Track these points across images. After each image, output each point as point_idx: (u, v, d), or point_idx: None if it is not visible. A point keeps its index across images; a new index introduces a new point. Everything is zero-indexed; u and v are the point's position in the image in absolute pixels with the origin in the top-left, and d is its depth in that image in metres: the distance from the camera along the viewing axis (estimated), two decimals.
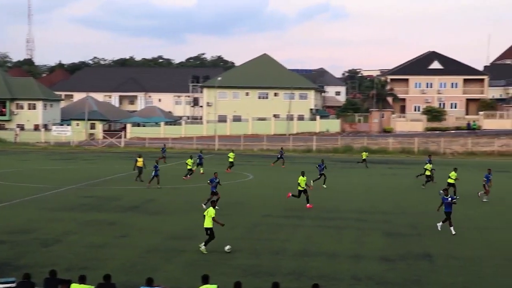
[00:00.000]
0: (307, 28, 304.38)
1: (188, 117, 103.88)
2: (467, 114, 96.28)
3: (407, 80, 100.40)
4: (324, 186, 38.80)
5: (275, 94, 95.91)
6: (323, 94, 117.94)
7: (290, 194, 30.64)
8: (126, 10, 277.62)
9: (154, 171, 37.90)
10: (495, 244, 22.73)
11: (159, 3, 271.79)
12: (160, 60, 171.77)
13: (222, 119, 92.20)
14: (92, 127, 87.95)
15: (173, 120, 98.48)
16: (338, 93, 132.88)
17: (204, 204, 28.75)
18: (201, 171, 45.28)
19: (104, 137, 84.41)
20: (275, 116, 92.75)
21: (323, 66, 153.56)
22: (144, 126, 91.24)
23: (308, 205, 30.22)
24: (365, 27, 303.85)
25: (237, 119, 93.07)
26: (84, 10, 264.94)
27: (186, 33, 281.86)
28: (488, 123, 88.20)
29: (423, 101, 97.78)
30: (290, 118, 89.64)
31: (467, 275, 18.51)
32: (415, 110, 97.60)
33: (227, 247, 20.96)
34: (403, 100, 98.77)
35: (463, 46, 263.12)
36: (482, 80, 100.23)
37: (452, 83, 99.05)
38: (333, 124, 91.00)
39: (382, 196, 35.98)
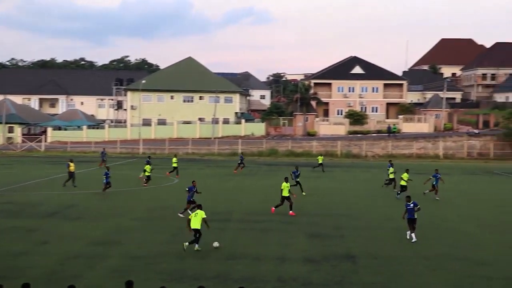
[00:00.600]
0: (231, 31, 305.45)
1: (111, 121, 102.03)
2: (387, 117, 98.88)
3: (330, 84, 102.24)
4: (304, 193, 37.34)
5: (200, 98, 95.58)
6: (248, 97, 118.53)
7: (273, 209, 29.86)
8: (46, 11, 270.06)
9: (105, 177, 36.86)
10: (414, 244, 23.41)
11: (81, 3, 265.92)
12: (82, 63, 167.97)
13: (146, 123, 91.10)
14: (10, 130, 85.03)
15: (96, 124, 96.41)
16: (263, 97, 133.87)
17: (181, 214, 28.57)
18: (141, 175, 44.72)
19: (23, 141, 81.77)
20: (200, 119, 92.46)
21: (248, 70, 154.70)
22: (65, 129, 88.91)
23: (290, 212, 29.60)
24: (289, 31, 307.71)
25: (162, 122, 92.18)
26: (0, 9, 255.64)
27: (109, 35, 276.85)
28: (407, 127, 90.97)
29: (345, 105, 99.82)
30: (215, 121, 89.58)
31: (387, 274, 18.98)
32: (338, 114, 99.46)
33: (215, 243, 21.83)
34: (326, 104, 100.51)
35: (383, 51, 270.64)
36: (401, 85, 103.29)
37: (373, 88, 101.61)
38: (258, 128, 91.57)
39: (307, 198, 36.42)
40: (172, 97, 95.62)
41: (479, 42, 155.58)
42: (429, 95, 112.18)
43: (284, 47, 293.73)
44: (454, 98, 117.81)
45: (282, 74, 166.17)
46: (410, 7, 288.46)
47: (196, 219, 21.78)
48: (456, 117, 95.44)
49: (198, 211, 22.06)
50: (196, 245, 21.68)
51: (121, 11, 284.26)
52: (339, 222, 27.93)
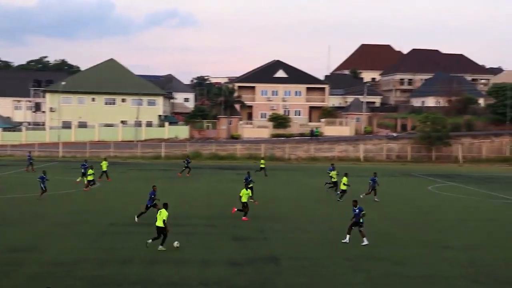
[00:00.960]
0: (155, 34, 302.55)
1: (29, 123, 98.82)
2: (310, 121, 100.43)
3: (253, 87, 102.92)
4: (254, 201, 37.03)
5: (123, 100, 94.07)
6: (171, 100, 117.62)
7: (235, 209, 29.84)
8: None
9: (40, 182, 35.58)
10: (335, 245, 23.86)
11: None
12: None
13: (66, 125, 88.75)
14: None
15: (12, 126, 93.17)
16: (186, 100, 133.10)
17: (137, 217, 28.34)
18: (78, 180, 44.06)
19: None
20: (122, 122, 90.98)
21: (171, 73, 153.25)
22: None
23: (244, 218, 29.35)
24: (213, 34, 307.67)
25: (82, 125, 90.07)
26: None
27: (26, 34, 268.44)
28: (329, 130, 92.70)
29: (269, 108, 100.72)
30: (138, 124, 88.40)
31: (310, 276, 19.25)
32: (261, 117, 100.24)
33: (176, 243, 22.36)
34: (250, 107, 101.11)
35: (306, 56, 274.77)
36: (323, 89, 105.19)
37: (296, 91, 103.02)
38: (182, 131, 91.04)
39: (231, 201, 36.43)
40: (93, 99, 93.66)
41: (397, 48, 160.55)
42: (350, 99, 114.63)
43: (208, 50, 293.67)
44: (373, 102, 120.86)
45: (206, 77, 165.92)
46: (332, 13, 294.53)
47: (160, 218, 22.31)
48: (375, 121, 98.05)
49: (162, 210, 22.50)
50: (160, 246, 22.16)
51: (39, 10, 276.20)
52: (263, 225, 28.11)
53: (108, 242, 23.84)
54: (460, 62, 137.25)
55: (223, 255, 21.72)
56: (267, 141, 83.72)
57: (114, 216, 30.05)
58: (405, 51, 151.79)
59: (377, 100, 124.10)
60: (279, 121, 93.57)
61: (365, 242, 23.90)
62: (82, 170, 44.00)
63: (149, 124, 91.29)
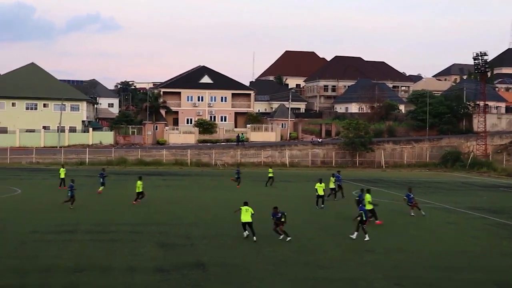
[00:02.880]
0: (77, 38, 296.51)
1: None
2: (236, 126, 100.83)
3: (179, 93, 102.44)
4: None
5: (45, 105, 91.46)
6: (95, 105, 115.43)
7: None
8: None
9: (70, 191, 34.99)
10: (261, 250, 24.05)
11: None
12: None
13: None
14: None
15: None
16: (111, 105, 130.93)
17: None
18: (100, 190, 42.83)
19: None
20: (45, 128, 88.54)
21: (95, 78, 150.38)
22: None
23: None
24: (137, 39, 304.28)
25: (2, 130, 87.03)
26: None
27: None
28: (255, 136, 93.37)
29: (195, 114, 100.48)
30: (61, 130, 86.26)
31: (236, 281, 19.32)
32: (187, 123, 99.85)
33: (245, 233, 25.80)
34: (176, 112, 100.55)
35: (231, 62, 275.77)
36: (249, 95, 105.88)
37: (222, 97, 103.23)
38: (107, 136, 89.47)
39: (157, 207, 36.17)
40: (13, 104, 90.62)
41: (321, 55, 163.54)
42: (275, 105, 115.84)
43: (133, 55, 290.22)
44: (299, 108, 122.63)
45: (130, 82, 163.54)
46: (256, 19, 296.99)
47: (247, 213, 25.72)
48: (300, 127, 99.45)
49: (249, 207, 25.89)
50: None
51: None
52: (189, 231, 28.01)
53: (30, 250, 23.17)
54: (382, 70, 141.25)
55: (149, 262, 21.51)
56: (193, 147, 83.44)
57: (36, 223, 29.20)
58: (328, 58, 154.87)
59: (302, 106, 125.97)
60: (205, 126, 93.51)
61: (288, 238, 25.74)
62: (101, 180, 43.08)
63: (72, 130, 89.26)
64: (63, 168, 47.41)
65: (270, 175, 50.81)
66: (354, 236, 26.73)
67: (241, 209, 26.18)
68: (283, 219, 26.04)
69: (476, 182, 62.48)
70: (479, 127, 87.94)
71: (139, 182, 37.51)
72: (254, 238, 25.62)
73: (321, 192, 36.83)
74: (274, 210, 26.19)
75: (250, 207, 26.22)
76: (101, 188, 43.15)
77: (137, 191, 37.23)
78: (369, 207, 30.03)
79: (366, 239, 26.27)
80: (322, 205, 37.00)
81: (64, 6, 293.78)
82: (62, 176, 46.10)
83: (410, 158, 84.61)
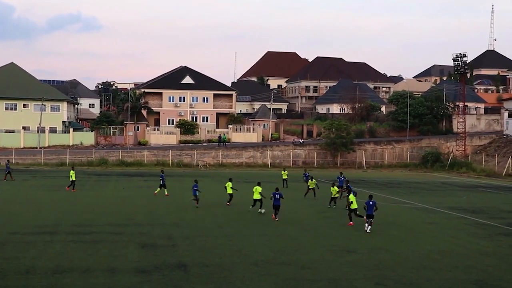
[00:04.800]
0: (58, 38, 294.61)
1: None
2: (217, 127, 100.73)
3: (161, 93, 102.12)
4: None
5: (24, 106, 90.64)
6: (76, 106, 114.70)
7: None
8: None
9: (194, 190, 36.43)
10: (243, 251, 24.07)
11: None
12: None
13: None
14: None
15: None
16: (92, 106, 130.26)
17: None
18: (166, 193, 42.36)
19: None
20: (24, 128, 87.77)
21: (76, 78, 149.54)
22: None
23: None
24: (118, 39, 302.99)
25: None
26: None
27: None
28: (237, 136, 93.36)
29: (176, 115, 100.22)
30: (41, 130, 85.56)
31: (218, 282, 19.31)
32: (169, 123, 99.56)
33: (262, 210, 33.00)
34: (158, 113, 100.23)
35: (213, 62, 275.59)
36: (231, 95, 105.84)
37: (204, 98, 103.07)
38: (87, 137, 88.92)
39: (138, 208, 36.05)
40: None
41: (303, 56, 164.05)
42: (257, 105, 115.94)
43: (114, 55, 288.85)
44: (280, 109, 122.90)
45: (112, 83, 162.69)
46: (238, 19, 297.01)
47: (256, 192, 33.47)
48: (282, 127, 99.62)
49: (258, 186, 34.12)
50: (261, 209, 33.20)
51: None
52: (170, 232, 27.94)
53: (10, 251, 22.97)
54: (363, 71, 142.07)
55: (130, 263, 21.43)
56: (175, 148, 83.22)
57: (16, 224, 28.95)
58: (310, 58, 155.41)
59: (283, 106, 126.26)
60: (187, 127, 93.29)
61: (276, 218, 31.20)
62: (161, 182, 42.77)
63: (52, 130, 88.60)
64: (73, 170, 45.78)
65: (284, 177, 51.29)
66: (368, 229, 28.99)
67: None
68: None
69: (456, 183, 63.07)
70: (458, 128, 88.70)
71: (229, 184, 37.67)
72: (263, 210, 33.44)
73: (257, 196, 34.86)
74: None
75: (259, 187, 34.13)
76: (157, 190, 43.03)
77: (228, 192, 37.48)
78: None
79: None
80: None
81: (45, 5, 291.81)
82: (73, 178, 44.63)
83: (390, 158, 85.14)
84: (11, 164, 57.04)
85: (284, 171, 53.52)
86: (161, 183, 42.98)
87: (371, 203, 28.92)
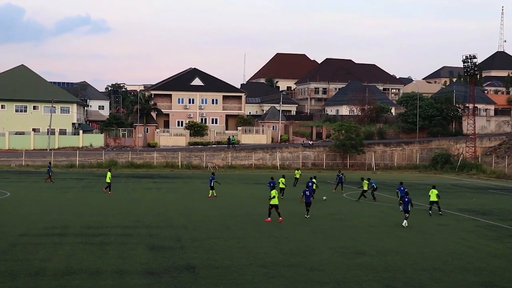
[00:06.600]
0: (67, 40, 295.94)
1: None
2: (227, 129, 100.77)
3: (170, 95, 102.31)
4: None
5: (34, 107, 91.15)
6: (86, 108, 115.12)
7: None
8: None
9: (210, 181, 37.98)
10: (252, 252, 24.04)
11: None
12: None
13: None
14: None
15: None
16: (101, 107, 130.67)
17: None
18: (215, 194, 43.23)
19: None
20: (34, 130, 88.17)
21: (85, 80, 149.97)
22: None
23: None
24: (128, 41, 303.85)
25: None
26: None
27: None
28: (246, 138, 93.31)
29: (186, 116, 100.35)
30: (51, 132, 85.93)
31: (227, 284, 19.29)
32: (178, 125, 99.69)
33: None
34: (167, 115, 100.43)
35: (222, 64, 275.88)
36: (240, 97, 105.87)
37: (213, 99, 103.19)
38: (97, 139, 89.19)
39: (147, 210, 36.10)
40: (3, 107, 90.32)
41: (312, 58, 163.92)
42: (266, 107, 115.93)
43: (123, 57, 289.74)
44: (289, 111, 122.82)
45: (121, 85, 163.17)
46: (247, 21, 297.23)
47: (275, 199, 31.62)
48: (291, 129, 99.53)
49: (274, 191, 32.24)
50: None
51: None
52: (179, 234, 27.96)
53: (20, 253, 23.06)
54: (372, 72, 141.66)
55: (139, 265, 21.45)
56: (184, 149, 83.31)
57: (26, 226, 29.07)
58: (319, 60, 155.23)
59: (292, 108, 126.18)
60: (196, 129, 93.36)
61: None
62: (211, 184, 43.45)
63: (62, 132, 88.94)
64: (110, 172, 46.25)
65: (297, 176, 53.46)
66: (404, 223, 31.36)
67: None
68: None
69: (466, 184, 62.78)
70: (468, 129, 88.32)
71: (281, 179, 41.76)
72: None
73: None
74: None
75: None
76: (211, 192, 43.46)
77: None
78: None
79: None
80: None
81: (54, 8, 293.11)
82: (108, 180, 45.02)
83: (400, 160, 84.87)
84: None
85: (298, 170, 55.72)
86: (210, 184, 43.51)
87: (406, 199, 31.87)
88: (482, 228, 32.12)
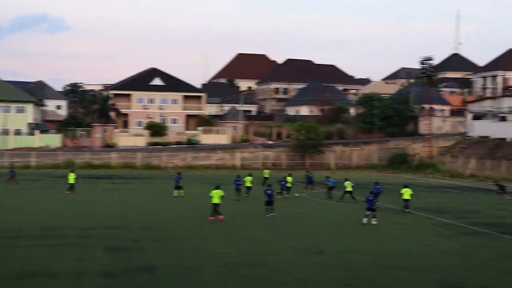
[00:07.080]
0: (22, 38, 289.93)
1: None
2: (187, 129, 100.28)
3: (129, 95, 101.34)
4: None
5: None
6: (42, 107, 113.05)
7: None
8: None
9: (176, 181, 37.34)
10: (212, 253, 23.94)
11: None
12: None
13: None
14: None
15: None
16: (59, 107, 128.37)
17: None
18: (182, 194, 42.41)
19: None
20: None
21: (42, 79, 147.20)
22: None
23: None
24: (87, 40, 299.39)
25: None
26: None
27: None
28: (206, 138, 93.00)
29: (145, 116, 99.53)
30: (5, 132, 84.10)
31: (187, 285, 19.15)
32: (138, 125, 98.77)
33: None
34: (126, 115, 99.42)
35: (182, 64, 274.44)
36: (200, 97, 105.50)
37: (173, 100, 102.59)
38: (54, 139, 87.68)
39: (106, 211, 35.66)
40: None
41: (272, 58, 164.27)
42: (226, 107, 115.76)
43: (81, 56, 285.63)
44: (250, 111, 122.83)
45: (79, 84, 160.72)
46: (209, 21, 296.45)
47: (217, 196, 31.21)
48: (252, 129, 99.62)
49: (219, 190, 31.54)
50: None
51: None
52: (138, 235, 27.69)
53: None
54: (332, 73, 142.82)
55: (97, 266, 21.15)
56: (143, 150, 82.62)
57: None
58: (280, 60, 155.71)
59: (253, 108, 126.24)
60: (156, 129, 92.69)
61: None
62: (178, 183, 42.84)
63: (17, 132, 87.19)
64: (73, 173, 45.52)
65: (266, 175, 52.84)
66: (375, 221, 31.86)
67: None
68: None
69: (422, 183, 63.79)
70: (424, 129, 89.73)
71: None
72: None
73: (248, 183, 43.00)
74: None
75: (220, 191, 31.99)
76: (177, 192, 42.98)
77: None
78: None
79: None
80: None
81: (9, 6, 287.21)
82: (71, 181, 44.41)
83: (359, 160, 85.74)
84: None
85: (267, 170, 56.57)
86: (176, 184, 42.96)
87: (370, 197, 32.65)
88: (438, 227, 32.69)
